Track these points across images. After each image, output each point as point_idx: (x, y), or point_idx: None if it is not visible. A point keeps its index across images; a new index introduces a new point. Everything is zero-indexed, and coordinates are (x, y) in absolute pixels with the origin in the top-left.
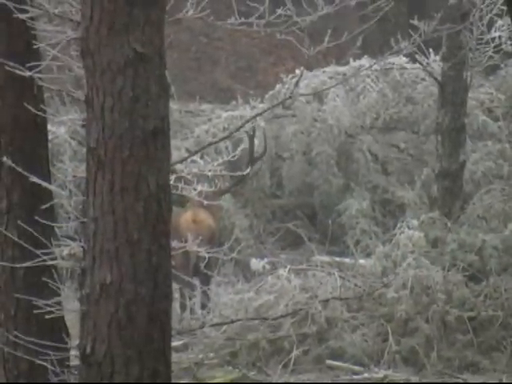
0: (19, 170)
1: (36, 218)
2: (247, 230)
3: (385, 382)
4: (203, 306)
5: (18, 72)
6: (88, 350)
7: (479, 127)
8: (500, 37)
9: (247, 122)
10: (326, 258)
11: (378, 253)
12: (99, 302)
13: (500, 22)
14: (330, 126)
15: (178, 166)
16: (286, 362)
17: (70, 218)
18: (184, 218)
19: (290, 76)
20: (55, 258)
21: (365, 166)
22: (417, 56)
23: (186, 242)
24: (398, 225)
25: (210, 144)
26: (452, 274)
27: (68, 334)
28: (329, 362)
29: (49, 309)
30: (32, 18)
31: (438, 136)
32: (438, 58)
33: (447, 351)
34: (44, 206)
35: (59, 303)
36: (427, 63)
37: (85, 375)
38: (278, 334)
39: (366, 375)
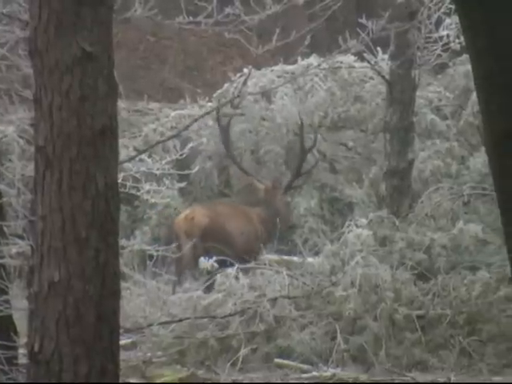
0: None
1: None
2: None
3: (333, 380)
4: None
5: None
6: (36, 348)
7: (427, 126)
8: (448, 35)
9: (195, 120)
10: (275, 257)
11: (326, 251)
12: (47, 300)
13: (448, 21)
14: (278, 125)
15: (126, 165)
16: (234, 361)
17: (18, 216)
18: (180, 215)
19: (239, 75)
20: (3, 257)
21: (312, 164)
22: (365, 55)
23: (177, 238)
24: (347, 223)
25: (158, 143)
26: (400, 272)
27: (16, 333)
28: (277, 360)
29: None
30: None
31: (386, 134)
32: (386, 56)
33: (395, 349)
34: None
35: (7, 301)
36: (375, 62)
37: (33, 373)
38: (227, 333)
39: (314, 373)
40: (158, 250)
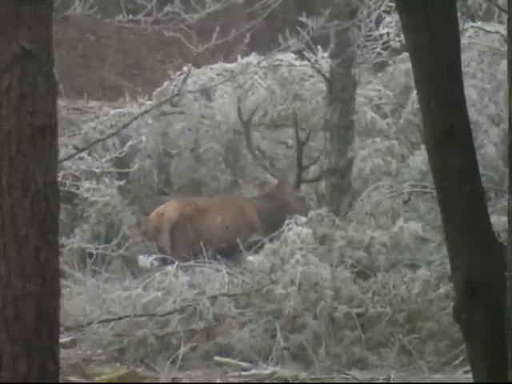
0: None
1: None
2: (135, 226)
3: (273, 378)
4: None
5: None
6: None
7: (367, 124)
8: (388, 33)
9: (135, 118)
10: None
11: (266, 249)
12: None
13: (388, 19)
14: (218, 123)
15: (66, 163)
16: (174, 359)
17: None
18: (155, 211)
19: (178, 73)
20: None
21: (252, 162)
22: (305, 53)
23: (152, 233)
24: (286, 221)
25: (98, 141)
26: (340, 270)
27: None
28: (217, 358)
29: None
30: None
31: (326, 133)
32: (326, 54)
33: (335, 347)
34: None
35: None
36: (315, 60)
37: None
38: (166, 331)
39: (254, 371)
40: (97, 248)
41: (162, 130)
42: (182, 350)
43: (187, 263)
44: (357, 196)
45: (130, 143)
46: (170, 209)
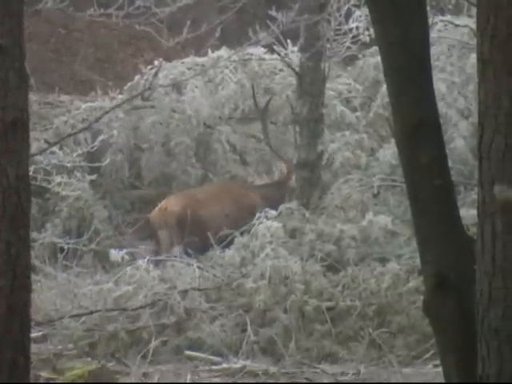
0: None
1: None
2: (106, 220)
3: (243, 372)
4: None
5: None
6: None
7: (337, 117)
8: (358, 27)
9: (106, 113)
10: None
11: (236, 243)
12: None
13: (358, 13)
14: (189, 117)
15: (38, 158)
16: (144, 353)
17: None
18: (157, 207)
19: (149, 67)
20: None
21: (223, 156)
22: (275, 47)
23: (155, 230)
24: (257, 215)
25: (69, 135)
26: (310, 264)
27: None
28: (187, 352)
29: None
30: None
31: (295, 126)
32: (296, 48)
33: (305, 341)
34: None
35: None
36: (285, 54)
37: None
38: (137, 325)
39: (224, 365)
40: (68, 243)
41: (133, 125)
42: (153, 344)
43: (158, 257)
44: (327, 189)
45: (101, 137)
46: (172, 203)
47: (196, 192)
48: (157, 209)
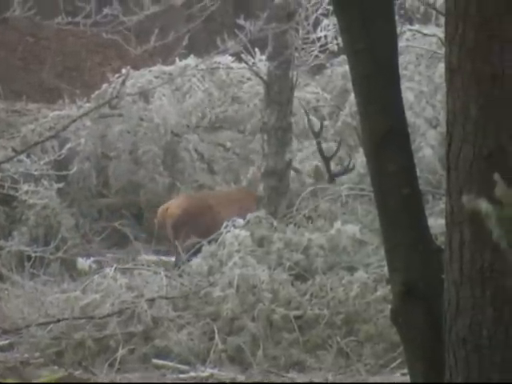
0: None
1: None
2: (73, 229)
3: (210, 380)
4: None
5: None
6: None
7: (305, 126)
8: (326, 36)
9: (73, 121)
10: (153, 257)
11: (204, 252)
12: None
13: (326, 22)
14: (157, 125)
15: (5, 166)
16: (112, 361)
17: None
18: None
19: (117, 75)
20: None
21: (191, 165)
22: (243, 55)
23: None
24: (224, 224)
25: (37, 143)
26: (278, 272)
27: None
28: (155, 360)
29: None
30: None
31: (263, 135)
32: (263, 57)
33: (273, 350)
34: None
35: None
36: (253, 63)
37: None
38: (104, 333)
39: (192, 374)
40: (35, 251)
41: (101, 133)
42: (120, 352)
43: (126, 265)
44: (295, 198)
45: (68, 146)
46: (174, 204)
47: (209, 195)
48: (161, 207)
